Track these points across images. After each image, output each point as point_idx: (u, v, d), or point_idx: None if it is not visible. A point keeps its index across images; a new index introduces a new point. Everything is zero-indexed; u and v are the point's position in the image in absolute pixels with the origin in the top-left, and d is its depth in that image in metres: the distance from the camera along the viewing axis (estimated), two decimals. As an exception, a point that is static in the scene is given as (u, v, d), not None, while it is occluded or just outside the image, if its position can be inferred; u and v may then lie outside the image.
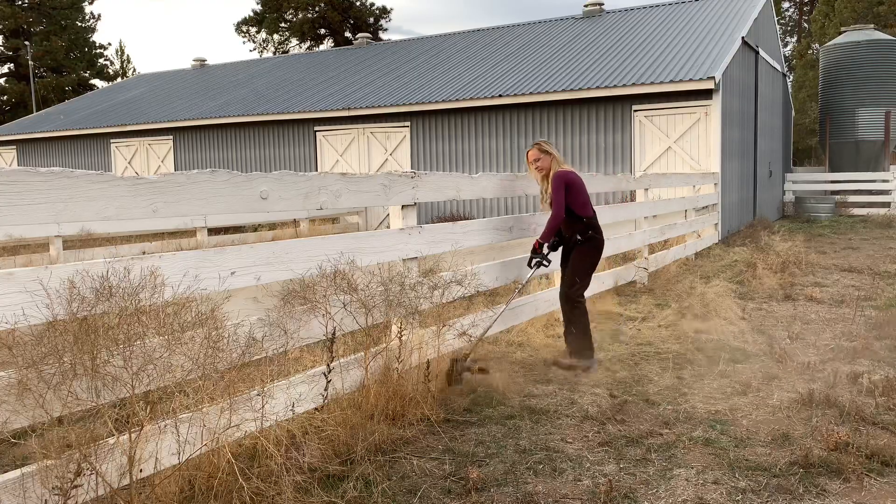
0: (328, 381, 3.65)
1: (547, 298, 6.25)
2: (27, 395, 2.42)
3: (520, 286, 5.39)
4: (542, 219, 5.75)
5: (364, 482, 3.29)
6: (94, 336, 2.49)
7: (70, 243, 10.46)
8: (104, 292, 2.60)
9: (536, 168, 5.38)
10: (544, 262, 5.20)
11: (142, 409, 2.68)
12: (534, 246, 5.22)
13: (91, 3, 53.95)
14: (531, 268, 5.24)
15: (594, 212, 5.43)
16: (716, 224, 12.32)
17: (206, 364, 2.85)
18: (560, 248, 5.52)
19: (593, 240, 5.36)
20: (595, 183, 7.43)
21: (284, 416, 3.44)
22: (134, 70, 49.92)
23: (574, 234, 5.33)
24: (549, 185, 5.25)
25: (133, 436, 2.68)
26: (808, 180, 20.89)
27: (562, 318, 5.49)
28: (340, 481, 3.29)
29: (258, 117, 18.02)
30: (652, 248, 9.14)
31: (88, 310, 2.55)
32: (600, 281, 7.46)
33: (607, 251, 7.64)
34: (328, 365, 3.65)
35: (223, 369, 2.97)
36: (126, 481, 2.70)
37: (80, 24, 46.03)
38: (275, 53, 48.24)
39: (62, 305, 2.55)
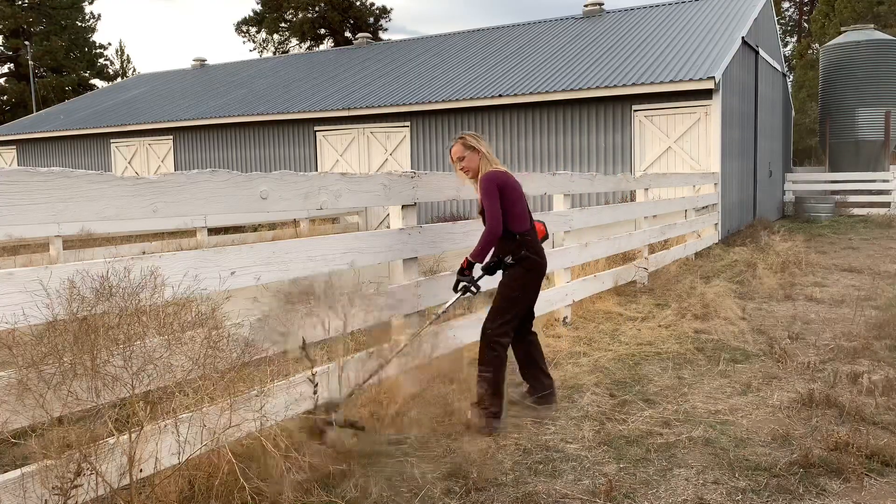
0: (316, 385, 3.56)
1: (546, 298, 6.25)
2: (27, 395, 2.42)
3: (435, 315, 4.24)
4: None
5: (364, 482, 3.29)
6: (95, 336, 2.48)
7: (70, 243, 10.45)
8: (104, 292, 2.60)
9: (462, 169, 4.33)
10: (472, 289, 4.13)
11: (142, 409, 2.68)
12: (461, 265, 4.16)
13: (91, 3, 53.95)
14: (456, 292, 4.18)
15: (532, 226, 4.32)
16: (716, 224, 12.33)
17: (206, 364, 2.85)
18: (498, 271, 4.31)
19: (527, 261, 4.19)
20: (595, 183, 7.44)
21: (285, 416, 3.44)
22: (134, 70, 49.94)
23: (504, 255, 4.21)
24: (478, 190, 4.21)
25: (133, 436, 2.67)
26: (808, 180, 20.89)
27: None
28: (341, 481, 3.29)
29: (258, 117, 18.02)
30: (652, 248, 9.14)
31: (88, 310, 2.55)
32: (600, 281, 7.47)
33: (607, 251, 7.65)
34: (312, 372, 3.55)
35: (223, 369, 2.96)
36: (126, 481, 2.70)
37: (80, 24, 46.04)
38: (275, 53, 48.25)
39: (62, 305, 2.55)
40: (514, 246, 4.16)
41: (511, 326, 4.17)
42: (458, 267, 4.23)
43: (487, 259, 4.20)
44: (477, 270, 4.18)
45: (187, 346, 2.80)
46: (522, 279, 4.19)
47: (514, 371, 4.51)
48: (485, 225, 4.18)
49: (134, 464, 2.69)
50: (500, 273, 4.28)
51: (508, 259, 4.17)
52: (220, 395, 2.98)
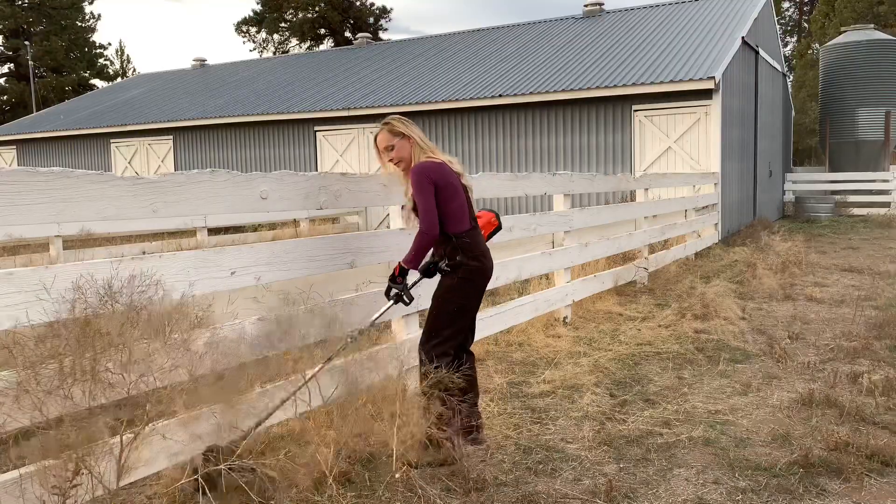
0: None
1: (546, 298, 6.25)
2: (25, 398, 2.42)
3: (348, 338, 3.52)
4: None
5: (366, 481, 3.29)
6: (93, 339, 2.48)
7: (70, 243, 10.45)
8: (104, 294, 2.60)
9: (392, 161, 3.68)
10: (405, 298, 3.56)
11: (139, 411, 2.68)
12: (393, 272, 3.60)
13: (91, 3, 53.97)
14: (389, 299, 3.60)
15: (473, 226, 3.67)
16: (716, 224, 12.33)
17: (205, 366, 2.85)
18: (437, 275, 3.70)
19: (464, 269, 3.57)
20: (595, 183, 7.44)
21: (285, 417, 3.44)
22: (134, 70, 49.94)
23: (439, 259, 3.62)
24: (409, 184, 3.60)
25: (130, 438, 2.67)
26: (808, 180, 20.89)
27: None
28: (343, 480, 3.29)
29: (258, 117, 18.02)
30: (652, 248, 9.14)
31: (86, 311, 2.55)
32: (600, 281, 7.46)
33: (607, 251, 7.65)
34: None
35: (221, 370, 2.96)
36: (123, 482, 2.69)
37: (80, 24, 46.05)
38: (275, 53, 48.25)
39: (60, 307, 2.55)
40: (449, 250, 3.57)
41: (451, 345, 3.60)
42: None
43: (425, 261, 3.64)
44: (413, 275, 3.65)
45: (185, 349, 2.80)
46: (460, 290, 3.58)
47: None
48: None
49: (131, 465, 2.69)
50: (437, 276, 3.69)
51: (443, 265, 3.58)
52: (218, 396, 2.96)
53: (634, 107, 13.62)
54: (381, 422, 3.36)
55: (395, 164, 3.67)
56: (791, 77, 31.50)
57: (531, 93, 14.33)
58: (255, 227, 14.15)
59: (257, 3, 48.16)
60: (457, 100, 15.11)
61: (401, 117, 3.70)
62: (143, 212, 2.92)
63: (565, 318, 6.65)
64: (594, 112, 14.05)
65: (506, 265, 5.56)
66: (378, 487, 3.25)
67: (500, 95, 14.63)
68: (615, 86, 13.51)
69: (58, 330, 2.45)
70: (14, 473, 2.46)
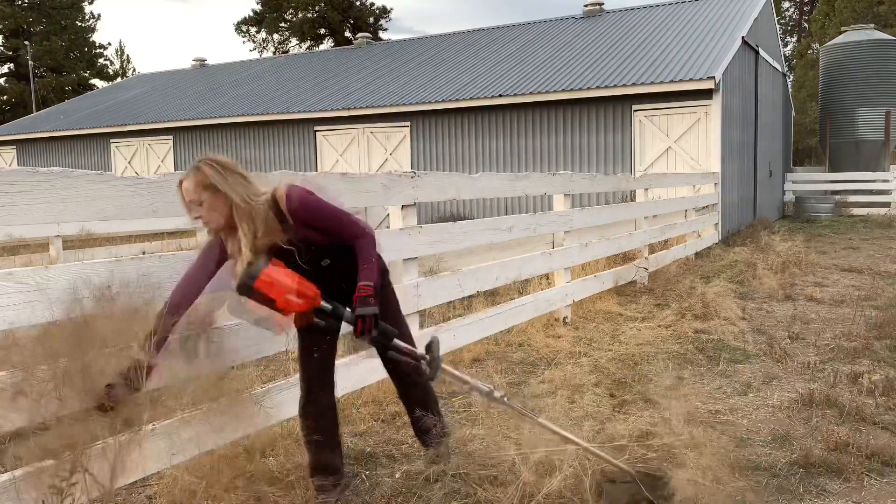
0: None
1: (546, 298, 6.25)
2: (22, 398, 2.41)
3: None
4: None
5: (368, 482, 3.29)
6: (91, 340, 2.48)
7: (70, 243, 10.45)
8: (103, 296, 2.59)
9: (200, 219, 2.73)
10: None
11: (137, 411, 2.67)
12: (367, 292, 2.86)
13: (91, 3, 53.98)
14: (367, 334, 2.87)
15: None
16: (716, 224, 12.33)
17: (204, 367, 2.84)
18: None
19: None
20: (595, 183, 7.43)
21: (287, 416, 3.43)
22: (134, 70, 49.95)
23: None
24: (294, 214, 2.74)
25: (127, 439, 2.67)
26: (808, 180, 20.89)
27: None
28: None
29: (258, 117, 18.02)
30: (652, 248, 9.14)
31: (84, 311, 2.54)
32: (600, 281, 7.46)
33: (607, 251, 7.66)
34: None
35: (221, 370, 2.96)
36: (121, 483, 2.69)
37: (80, 24, 46.08)
38: (275, 53, 48.26)
39: (60, 308, 2.55)
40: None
41: None
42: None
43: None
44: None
45: (185, 349, 2.79)
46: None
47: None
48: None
49: (128, 466, 2.68)
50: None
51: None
52: (218, 396, 2.96)
53: (634, 107, 13.63)
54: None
55: (203, 224, 2.76)
56: (791, 77, 31.49)
57: (531, 93, 14.34)
58: (255, 227, 14.12)
59: (257, 3, 48.23)
60: (457, 100, 15.12)
61: (218, 162, 2.72)
62: (143, 212, 2.92)
63: (565, 318, 6.64)
64: (594, 112, 14.05)
65: (506, 265, 5.56)
66: (377, 491, 3.24)
67: (500, 95, 14.63)
68: (615, 86, 13.51)
69: (57, 330, 2.45)
70: (8, 475, 2.45)
